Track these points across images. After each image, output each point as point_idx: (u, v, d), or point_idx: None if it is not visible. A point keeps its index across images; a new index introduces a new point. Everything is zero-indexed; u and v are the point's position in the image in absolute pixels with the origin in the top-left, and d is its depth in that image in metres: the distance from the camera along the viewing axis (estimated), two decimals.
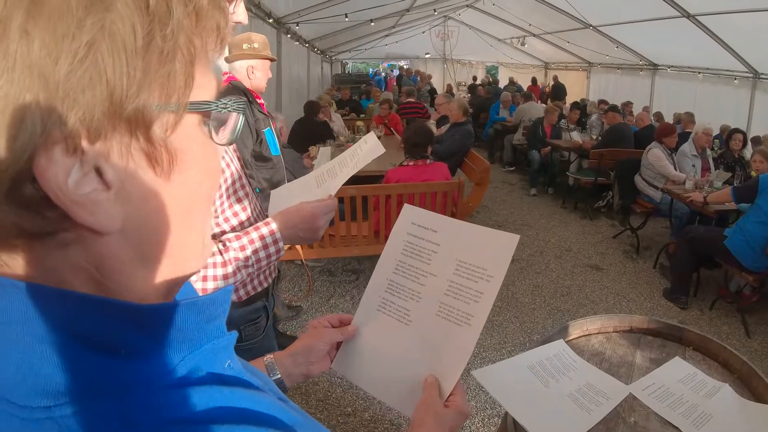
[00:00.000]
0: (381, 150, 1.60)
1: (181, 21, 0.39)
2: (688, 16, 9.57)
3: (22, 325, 0.37)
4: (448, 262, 1.04)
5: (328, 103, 8.46)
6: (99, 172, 0.37)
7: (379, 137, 6.01)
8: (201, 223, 0.49)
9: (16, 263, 0.38)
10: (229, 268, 1.38)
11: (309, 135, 6.82)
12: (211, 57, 0.45)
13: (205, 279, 1.35)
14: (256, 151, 2.54)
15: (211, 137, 0.47)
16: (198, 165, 0.45)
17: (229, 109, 0.46)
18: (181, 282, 0.49)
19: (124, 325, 0.40)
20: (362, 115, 10.94)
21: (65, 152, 0.35)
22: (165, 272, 0.45)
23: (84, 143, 0.35)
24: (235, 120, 0.49)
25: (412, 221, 1.12)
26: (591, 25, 12.77)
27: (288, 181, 3.07)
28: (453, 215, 4.46)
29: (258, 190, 1.77)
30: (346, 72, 22.52)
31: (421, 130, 4.64)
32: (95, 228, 0.38)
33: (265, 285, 1.72)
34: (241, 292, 1.63)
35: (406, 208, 1.16)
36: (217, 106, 0.45)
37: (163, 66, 0.38)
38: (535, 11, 13.57)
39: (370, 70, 27.36)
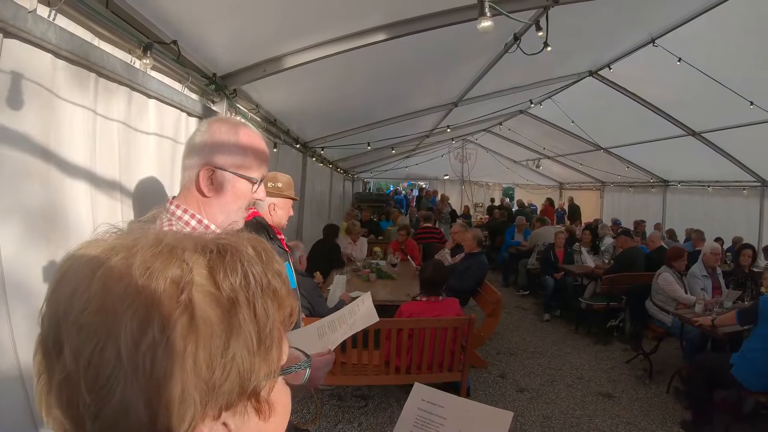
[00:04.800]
0: (375, 319, 1.91)
1: (273, 316, 0.61)
2: (694, 134, 10.12)
3: None
4: None
5: (358, 230, 9.02)
6: (224, 424, 0.58)
7: (395, 265, 6.25)
8: None
9: None
10: None
11: (327, 258, 7.09)
12: (285, 330, 0.66)
13: None
14: None
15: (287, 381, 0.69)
16: (283, 406, 0.67)
17: (302, 367, 0.74)
18: None
19: None
20: (380, 237, 11.33)
21: (212, 419, 0.57)
22: None
23: (222, 413, 0.57)
24: (306, 371, 0.76)
25: (422, 398, 1.35)
26: (602, 147, 13.39)
27: (302, 309, 3.22)
28: (463, 348, 4.56)
29: None
30: (367, 190, 23.23)
31: (439, 270, 4.86)
32: None
33: None
34: None
35: (417, 386, 1.40)
36: (296, 367, 0.72)
37: (268, 354, 0.60)
38: (548, 135, 14.24)
39: (390, 186, 28.14)
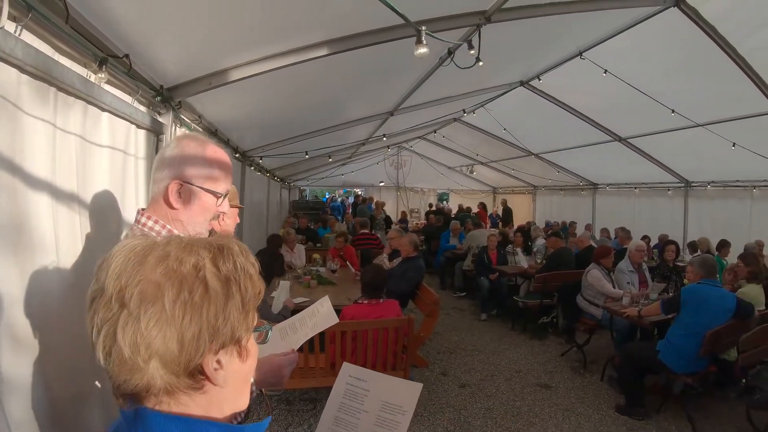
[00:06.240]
0: (335, 320, 2.18)
1: (250, 291, 0.92)
2: (620, 139, 10.81)
3: None
4: (376, 402, 1.58)
5: (294, 238, 9.04)
6: (218, 361, 0.88)
7: (334, 271, 6.35)
8: (250, 380, 1.02)
9: (175, 402, 0.87)
10: None
11: (269, 267, 7.16)
12: (254, 304, 0.95)
13: None
14: None
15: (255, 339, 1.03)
16: (254, 354, 0.99)
17: (268, 328, 1.13)
18: (240, 411, 0.99)
19: None
20: (318, 245, 11.39)
21: (213, 353, 0.87)
22: (237, 405, 0.97)
23: (219, 350, 0.87)
24: (267, 332, 1.14)
25: (349, 374, 1.70)
26: (533, 153, 13.99)
27: None
28: (404, 347, 4.75)
29: None
30: (304, 198, 23.20)
31: (379, 273, 5.04)
32: (218, 385, 0.88)
33: None
34: None
35: (345, 365, 1.74)
36: (262, 328, 1.11)
37: (247, 315, 0.92)
38: (481, 142, 14.71)
39: (327, 194, 28.13)
